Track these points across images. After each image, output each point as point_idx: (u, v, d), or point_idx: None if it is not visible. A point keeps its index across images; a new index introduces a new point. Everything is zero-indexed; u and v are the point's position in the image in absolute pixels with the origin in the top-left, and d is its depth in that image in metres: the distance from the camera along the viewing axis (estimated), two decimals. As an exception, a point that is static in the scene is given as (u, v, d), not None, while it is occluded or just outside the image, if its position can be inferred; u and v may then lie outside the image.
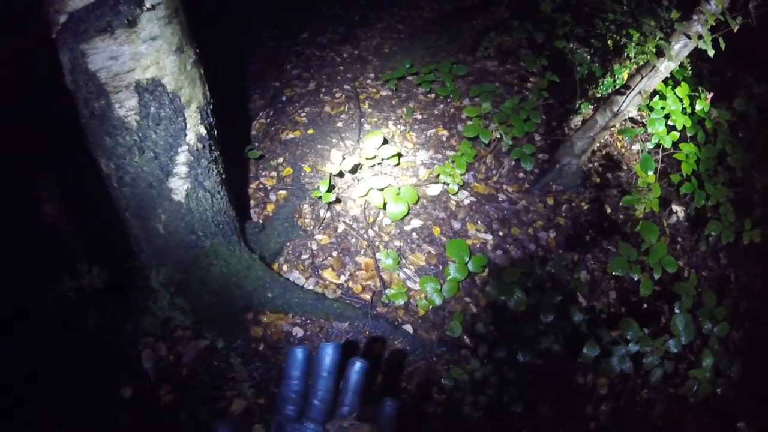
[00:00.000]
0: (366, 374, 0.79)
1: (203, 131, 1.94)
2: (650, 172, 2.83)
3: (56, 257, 2.25)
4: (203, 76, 1.97)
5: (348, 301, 2.48)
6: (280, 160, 3.12)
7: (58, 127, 2.24)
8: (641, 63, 2.83)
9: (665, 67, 2.72)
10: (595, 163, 3.25)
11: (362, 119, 3.31)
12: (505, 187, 3.01)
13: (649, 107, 2.94)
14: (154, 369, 2.19)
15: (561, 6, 3.68)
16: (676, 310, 2.47)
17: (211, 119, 2.00)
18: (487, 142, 3.00)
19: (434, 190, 2.88)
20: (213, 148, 2.03)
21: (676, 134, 2.91)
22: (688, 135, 3.07)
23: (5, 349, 2.01)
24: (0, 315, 2.07)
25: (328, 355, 0.77)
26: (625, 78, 3.04)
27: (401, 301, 2.50)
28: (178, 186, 1.99)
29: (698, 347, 2.61)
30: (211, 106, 2.00)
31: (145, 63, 1.71)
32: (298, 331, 2.38)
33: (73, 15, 1.57)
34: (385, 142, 2.90)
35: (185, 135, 1.88)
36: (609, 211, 3.07)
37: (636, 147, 3.44)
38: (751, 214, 3.01)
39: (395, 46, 4.20)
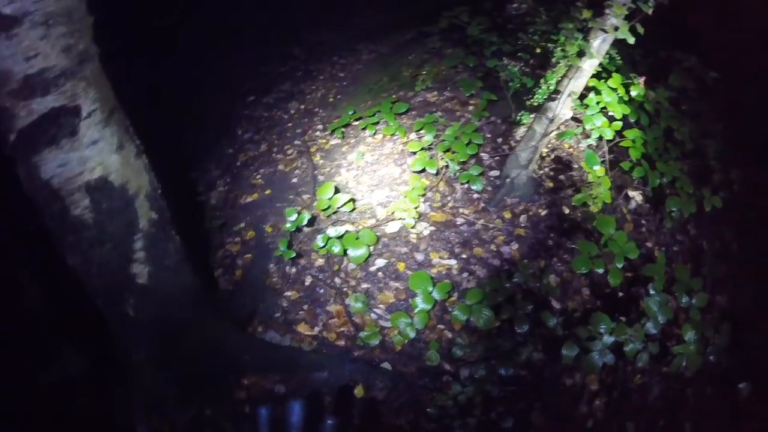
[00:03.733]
0: (338, 430, 0.90)
1: (154, 216, 2.25)
2: (597, 167, 3.15)
3: (41, 345, 2.51)
4: (147, 164, 2.28)
5: (324, 351, 2.74)
6: (242, 224, 3.42)
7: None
8: (568, 66, 3.17)
9: (589, 64, 3.03)
10: (546, 169, 3.57)
11: (315, 171, 3.64)
12: (461, 210, 3.31)
13: (585, 105, 3.28)
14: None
15: (488, 27, 4.11)
16: (651, 292, 2.74)
17: (162, 203, 2.31)
18: (435, 171, 3.32)
19: (393, 227, 3.18)
20: (167, 229, 2.33)
21: (618, 124, 3.22)
22: (632, 121, 3.41)
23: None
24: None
25: (296, 413, 0.88)
26: (556, 83, 3.38)
27: (376, 341, 2.76)
28: (140, 270, 2.28)
29: (683, 321, 2.82)
30: (159, 191, 2.31)
31: (90, 165, 2.03)
32: (280, 388, 2.63)
33: (21, 132, 1.87)
34: (337, 191, 3.21)
35: (138, 223, 2.18)
36: (567, 211, 3.37)
37: (584, 145, 3.77)
38: (709, 182, 3.32)
39: (339, 94, 4.59)
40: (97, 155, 2.03)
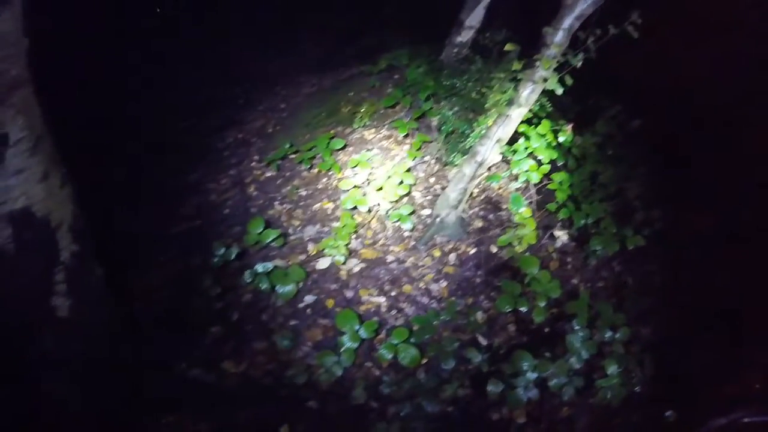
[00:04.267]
0: None
1: (76, 248, 2.24)
2: (522, 209, 3.38)
3: None
4: (72, 195, 2.28)
5: (250, 390, 2.76)
6: (170, 256, 3.39)
7: None
8: (498, 113, 3.37)
9: (517, 113, 3.23)
10: (476, 209, 3.77)
11: (248, 203, 3.69)
12: (391, 248, 3.44)
13: (513, 150, 3.51)
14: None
15: (425, 71, 4.33)
16: (575, 328, 2.93)
17: (85, 235, 2.30)
18: (366, 209, 3.45)
19: (323, 263, 3.26)
20: (90, 261, 2.32)
21: (546, 167, 3.46)
22: (559, 164, 3.67)
23: None
24: None
25: None
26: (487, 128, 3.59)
27: (303, 379, 2.81)
28: (61, 303, 2.26)
29: (609, 353, 3.00)
30: (82, 223, 2.31)
31: (14, 194, 2.01)
32: (203, 427, 2.62)
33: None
34: (268, 225, 3.28)
35: (59, 255, 2.18)
36: (495, 250, 3.56)
37: (513, 186, 4.01)
38: (632, 221, 3.60)
39: (278, 125, 4.66)
40: (22, 185, 2.02)
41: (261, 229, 3.20)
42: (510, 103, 3.21)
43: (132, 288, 3.20)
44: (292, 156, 4.05)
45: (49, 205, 2.13)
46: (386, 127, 4.21)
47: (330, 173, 3.83)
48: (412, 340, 2.93)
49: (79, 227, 2.29)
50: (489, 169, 3.54)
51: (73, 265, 2.24)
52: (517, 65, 3.11)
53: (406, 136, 4.07)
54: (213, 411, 2.67)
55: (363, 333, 2.90)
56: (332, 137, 4.02)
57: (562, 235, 3.80)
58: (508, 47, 3.14)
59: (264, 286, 3.00)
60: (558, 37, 2.88)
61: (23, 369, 2.40)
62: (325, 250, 3.24)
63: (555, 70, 2.96)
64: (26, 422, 2.46)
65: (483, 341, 3.14)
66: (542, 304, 3.01)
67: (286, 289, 3.01)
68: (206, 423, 2.66)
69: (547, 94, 3.45)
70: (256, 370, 2.85)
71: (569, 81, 2.96)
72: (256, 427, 2.67)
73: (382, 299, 3.18)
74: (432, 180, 3.84)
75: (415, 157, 3.86)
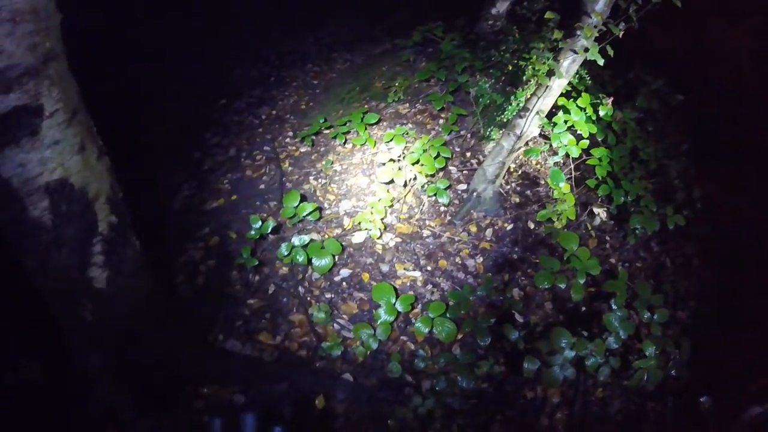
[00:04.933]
0: None
1: (114, 220, 2.24)
2: (562, 183, 3.25)
3: None
4: (110, 167, 2.27)
5: (285, 361, 2.75)
6: (206, 230, 3.41)
7: None
8: (537, 85, 3.26)
9: (557, 84, 3.12)
10: (513, 184, 3.66)
11: (283, 179, 3.66)
12: (427, 223, 3.37)
13: (553, 123, 3.38)
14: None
15: (460, 43, 4.21)
16: (613, 307, 2.83)
17: (122, 207, 2.30)
18: (402, 183, 3.38)
19: (359, 237, 3.22)
20: (127, 233, 2.32)
21: (585, 142, 3.33)
22: (599, 140, 3.54)
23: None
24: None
25: (249, 425, 0.95)
26: (525, 100, 3.48)
27: (338, 352, 2.78)
28: (98, 274, 2.26)
29: (645, 336, 2.93)
30: (120, 195, 2.30)
31: (51, 166, 2.01)
32: (239, 398, 2.62)
33: (-20, 131, 1.87)
34: (304, 199, 3.24)
35: (97, 227, 2.17)
36: (532, 226, 3.46)
37: (551, 161, 3.89)
38: (672, 200, 3.46)
39: (311, 101, 4.62)
40: (58, 156, 2.01)
41: (297, 203, 3.17)
42: (550, 73, 3.08)
43: (171, 261, 3.23)
44: (326, 131, 4.00)
45: (86, 176, 2.12)
46: (421, 101, 4.12)
47: (365, 148, 3.77)
48: (448, 315, 2.86)
49: (117, 199, 2.29)
50: (527, 143, 3.42)
51: (110, 237, 2.24)
52: (557, 34, 2.98)
53: (442, 110, 3.97)
54: (249, 382, 2.67)
55: (399, 306, 2.85)
56: (366, 112, 3.95)
57: (601, 213, 3.68)
58: (548, 15, 3.00)
59: (300, 258, 2.97)
60: (599, 5, 2.74)
61: (62, 340, 2.44)
62: (361, 224, 3.19)
63: (595, 40, 2.82)
64: (61, 393, 2.50)
65: (519, 318, 3.07)
66: (581, 281, 2.89)
67: (323, 262, 2.98)
68: (242, 394, 2.67)
69: (587, 65, 3.32)
70: (292, 342, 2.84)
71: (610, 52, 2.82)
72: (292, 398, 2.66)
73: (417, 273, 3.13)
74: (468, 154, 3.74)
75: (451, 131, 3.76)
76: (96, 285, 2.28)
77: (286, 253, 2.97)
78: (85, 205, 2.11)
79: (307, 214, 3.17)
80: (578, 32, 2.90)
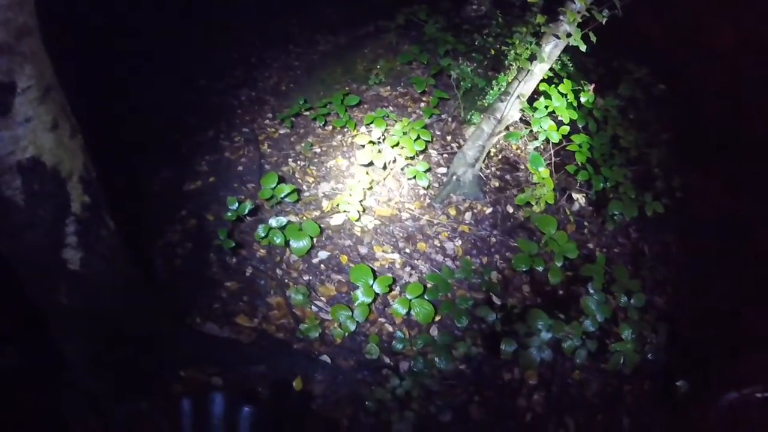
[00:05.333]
0: (256, 418, 0.96)
1: (88, 200, 2.19)
2: (541, 168, 3.26)
3: None
4: (83, 146, 2.21)
5: (263, 343, 2.74)
6: (184, 212, 3.36)
7: None
8: (519, 69, 3.25)
9: (539, 69, 3.12)
10: (493, 168, 3.67)
11: (262, 160, 3.63)
12: (407, 205, 3.37)
13: (534, 108, 3.39)
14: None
15: (444, 27, 4.18)
16: (590, 291, 2.85)
17: (96, 186, 2.25)
18: (382, 166, 3.37)
19: (338, 219, 3.20)
20: (102, 214, 2.27)
21: (566, 128, 3.34)
22: (580, 126, 3.55)
23: None
24: None
25: (218, 404, 0.96)
26: (507, 85, 3.48)
27: (316, 334, 2.78)
28: (72, 256, 2.21)
29: (622, 319, 2.95)
30: (94, 174, 2.25)
31: (23, 144, 1.95)
32: (217, 381, 2.60)
33: (-51, 107, 1.81)
34: (282, 180, 3.21)
35: (70, 206, 2.13)
36: (511, 210, 3.48)
37: (531, 146, 3.90)
38: (652, 188, 3.49)
39: (292, 83, 4.57)
40: (30, 134, 1.96)
41: (274, 185, 3.14)
42: (532, 58, 3.08)
43: (149, 244, 3.19)
44: (306, 113, 3.96)
45: (58, 154, 2.07)
46: (402, 84, 4.10)
47: (345, 130, 3.74)
48: (426, 296, 2.87)
49: (90, 179, 2.23)
50: (507, 128, 3.42)
51: (84, 217, 2.19)
52: (540, 18, 2.98)
53: (423, 93, 3.95)
54: (227, 364, 2.66)
55: (377, 288, 2.85)
56: (347, 94, 3.92)
57: (579, 198, 3.71)
58: (532, 0, 2.99)
59: (278, 240, 2.95)
60: (584, -10, 2.71)
61: (41, 325, 2.40)
62: (340, 206, 3.18)
63: (579, 26, 2.82)
64: (39, 379, 2.47)
65: (497, 301, 3.09)
66: (559, 264, 2.91)
67: (300, 244, 2.96)
68: (220, 377, 2.66)
69: (570, 52, 3.32)
70: (270, 324, 2.83)
71: (593, 38, 2.82)
72: (270, 380, 2.65)
73: (396, 256, 3.13)
74: (449, 138, 3.74)
75: (432, 115, 3.75)
76: (70, 266, 2.23)
77: (263, 235, 2.95)
78: (57, 184, 2.07)
79: (285, 196, 3.15)
80: (561, 17, 2.89)
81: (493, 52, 3.84)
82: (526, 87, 3.21)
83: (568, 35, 2.87)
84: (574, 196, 3.72)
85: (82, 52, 4.14)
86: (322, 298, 2.93)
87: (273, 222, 2.98)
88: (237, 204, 3.04)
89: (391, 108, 3.87)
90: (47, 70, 2.01)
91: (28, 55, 1.88)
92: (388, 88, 4.09)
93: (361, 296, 2.82)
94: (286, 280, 2.96)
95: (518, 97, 3.22)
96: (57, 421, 2.43)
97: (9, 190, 1.99)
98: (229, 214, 3.05)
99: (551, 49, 3.04)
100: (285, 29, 5.50)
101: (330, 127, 3.81)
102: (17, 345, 2.44)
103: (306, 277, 2.99)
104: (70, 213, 2.14)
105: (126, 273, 2.47)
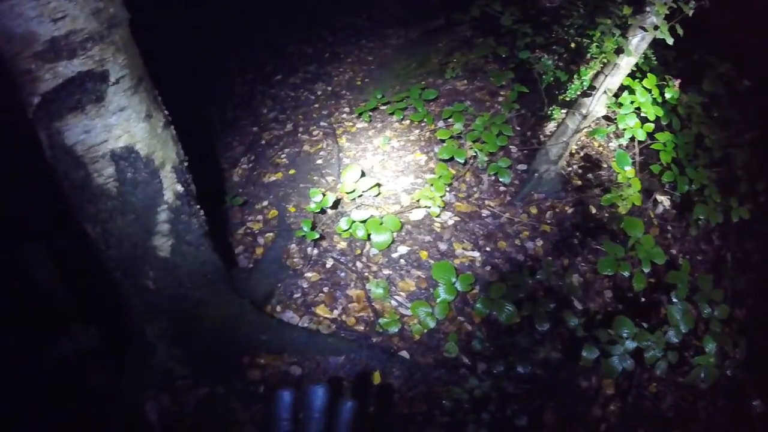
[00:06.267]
0: (357, 413, 0.88)
1: (180, 189, 2.11)
2: (627, 167, 2.97)
3: (51, 320, 2.39)
4: (175, 136, 2.14)
5: (342, 335, 2.61)
6: (265, 203, 3.28)
7: (44, 193, 2.43)
8: (604, 62, 2.99)
9: (626, 62, 2.87)
10: (575, 166, 3.39)
11: (340, 154, 3.49)
12: (487, 202, 3.15)
13: (618, 103, 3.09)
14: (158, 420, 2.31)
15: (521, 18, 3.90)
16: (673, 300, 2.57)
17: (187, 176, 2.17)
18: (463, 161, 3.16)
19: (417, 214, 3.02)
20: (192, 203, 2.19)
21: (650, 125, 3.04)
22: (663, 123, 3.23)
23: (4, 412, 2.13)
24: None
25: (319, 397, 0.86)
26: (591, 79, 3.20)
27: (395, 329, 2.62)
28: (162, 243, 2.15)
29: (702, 332, 2.68)
30: (185, 164, 2.17)
31: (116, 133, 1.89)
32: (295, 370, 2.49)
33: (44, 96, 1.75)
34: (363, 174, 3.06)
35: (163, 195, 2.05)
36: (594, 211, 3.20)
37: (614, 144, 3.59)
38: (736, 192, 3.15)
39: (366, 78, 4.42)
40: (124, 123, 1.89)
41: (357, 178, 2.98)
42: (618, 51, 2.81)
43: (230, 232, 3.12)
44: (383, 107, 3.80)
45: (152, 144, 2.00)
46: (479, 78, 3.86)
47: (422, 124, 3.55)
48: (508, 297, 2.66)
49: (183, 168, 2.17)
50: (590, 124, 3.14)
51: (176, 206, 2.12)
52: (627, 10, 2.73)
53: (501, 87, 3.70)
54: (306, 354, 2.54)
55: (459, 286, 2.67)
56: (424, 88, 3.72)
57: (664, 200, 3.39)
58: None
59: (360, 233, 2.80)
60: (670, -18, 2.47)
61: (121, 307, 2.35)
62: (420, 201, 2.99)
63: (664, 18, 2.58)
64: (118, 359, 2.41)
65: (578, 305, 2.85)
66: (646, 270, 2.63)
67: (382, 238, 2.81)
68: (299, 366, 2.54)
69: (652, 45, 3.03)
70: (349, 316, 2.69)
71: (680, 31, 2.58)
72: (348, 371, 2.52)
73: (476, 254, 2.92)
74: (528, 133, 3.48)
75: (511, 110, 3.50)
76: (159, 253, 2.17)
77: (346, 228, 2.81)
78: (150, 172, 1.99)
79: (367, 190, 2.99)
80: (648, 9, 2.65)
81: (573, 45, 3.54)
82: (613, 81, 2.95)
83: (655, 28, 2.63)
84: (659, 198, 3.40)
85: (166, 47, 4.14)
86: (402, 293, 2.76)
87: (356, 215, 2.83)
88: (321, 196, 2.91)
89: (468, 102, 3.66)
90: (138, 62, 1.96)
91: (120, 46, 1.83)
92: (465, 81, 3.87)
93: (443, 293, 2.64)
94: (366, 274, 2.82)
95: (605, 91, 2.95)
96: (133, 401, 2.37)
97: (101, 177, 1.94)
98: (313, 205, 2.92)
99: (638, 42, 2.79)
100: (355, 24, 5.37)
101: (407, 122, 3.63)
102: (98, 325, 2.38)
103: (386, 272, 2.83)
104: (162, 201, 2.07)
105: (211, 260, 2.39)
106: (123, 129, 1.89)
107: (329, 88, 4.39)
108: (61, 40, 1.64)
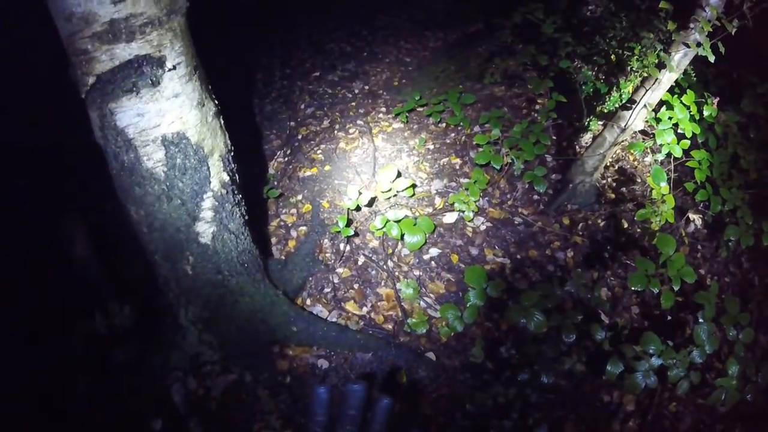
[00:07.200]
0: (392, 411, 0.88)
1: (226, 178, 2.09)
2: (663, 183, 2.89)
3: (86, 297, 2.40)
4: (223, 126, 2.13)
5: (371, 332, 2.58)
6: (299, 197, 3.26)
7: (85, 174, 2.44)
8: (644, 76, 2.92)
9: (667, 78, 2.79)
10: (609, 179, 3.32)
11: (376, 153, 3.45)
12: (520, 210, 3.09)
13: (657, 118, 3.01)
14: (183, 402, 2.30)
15: (562, 27, 3.81)
16: (700, 320, 2.50)
17: (233, 166, 2.15)
18: (498, 167, 3.11)
19: (450, 218, 2.98)
20: (236, 192, 2.18)
21: (687, 142, 2.97)
22: (699, 141, 3.14)
23: (37, 383, 2.13)
24: (31, 352, 2.21)
25: (357, 394, 0.86)
26: (631, 92, 3.13)
27: (423, 330, 2.58)
28: (205, 230, 2.13)
29: (725, 355, 2.62)
30: (232, 154, 2.15)
31: (169, 118, 1.87)
32: (323, 363, 2.47)
33: (100, 77, 1.73)
34: (399, 174, 3.02)
35: (209, 182, 2.03)
36: (626, 225, 3.12)
37: (648, 159, 3.50)
38: None
39: (404, 78, 4.37)
40: (177, 109, 1.87)
41: (393, 178, 2.95)
42: (660, 65, 2.73)
43: (265, 224, 3.11)
44: (420, 109, 3.75)
45: (202, 132, 1.98)
46: (517, 84, 3.79)
47: (459, 128, 3.50)
48: (537, 306, 2.60)
49: (229, 158, 2.15)
50: (626, 139, 3.07)
51: (221, 194, 2.10)
52: (672, 25, 2.64)
53: (540, 95, 3.63)
54: (335, 348, 2.52)
55: (490, 292, 2.61)
56: (462, 92, 3.67)
57: (696, 219, 3.30)
58: (662, 5, 2.65)
59: (394, 233, 2.77)
60: (715, -1, 2.40)
61: (156, 289, 2.35)
62: (455, 205, 2.95)
63: (707, 35, 2.51)
64: (149, 341, 2.41)
65: (605, 319, 2.78)
66: (676, 287, 2.56)
67: (415, 239, 2.77)
68: (326, 359, 2.52)
69: (692, 62, 2.95)
70: (378, 314, 2.66)
71: (722, 49, 2.51)
72: (375, 369, 2.50)
73: (506, 260, 2.87)
74: (564, 144, 3.41)
75: (548, 118, 3.43)
76: (201, 239, 2.15)
77: (380, 226, 2.77)
78: (199, 160, 1.98)
79: (403, 190, 2.95)
80: (692, 25, 2.58)
81: (614, 58, 3.45)
82: (654, 96, 2.87)
83: (698, 44, 2.55)
84: (691, 216, 3.31)
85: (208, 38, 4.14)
86: (431, 295, 2.73)
87: (390, 214, 2.79)
88: (357, 193, 2.88)
89: (505, 108, 3.59)
90: (193, 50, 1.93)
91: (178, 33, 1.80)
92: (503, 88, 3.80)
93: (473, 298, 2.59)
94: (397, 273, 2.78)
95: (645, 106, 2.87)
96: (160, 381, 2.36)
97: (151, 161, 1.92)
98: (349, 202, 2.89)
99: (680, 58, 2.71)
100: (395, 24, 5.32)
101: (444, 125, 3.58)
102: (133, 306, 2.38)
103: (416, 273, 2.79)
104: (209, 189, 2.05)
105: (249, 249, 2.38)
106: (176, 115, 1.88)
107: (366, 87, 4.36)
108: (120, 23, 1.62)
